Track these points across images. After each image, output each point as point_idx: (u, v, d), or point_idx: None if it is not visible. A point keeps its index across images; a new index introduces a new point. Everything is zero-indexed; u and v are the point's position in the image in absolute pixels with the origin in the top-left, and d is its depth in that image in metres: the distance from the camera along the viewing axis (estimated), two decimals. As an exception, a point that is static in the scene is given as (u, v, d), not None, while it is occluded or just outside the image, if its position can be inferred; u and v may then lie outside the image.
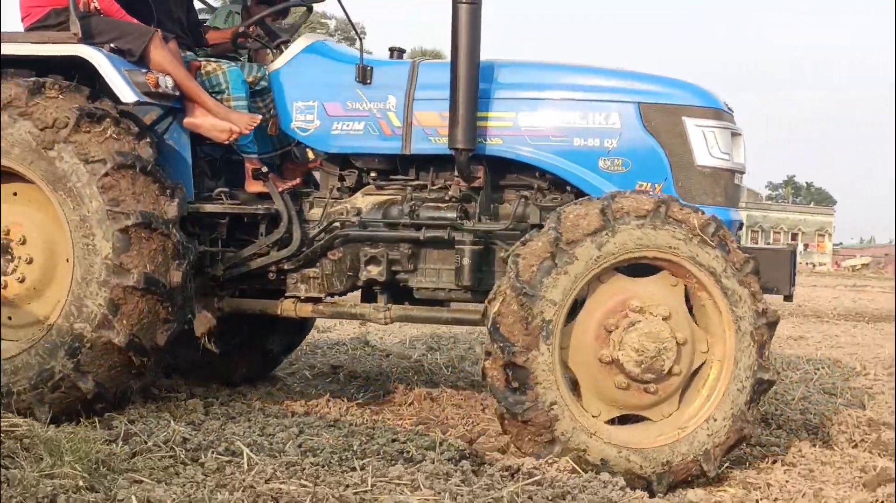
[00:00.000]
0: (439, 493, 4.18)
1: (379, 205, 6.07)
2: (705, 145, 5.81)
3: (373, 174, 6.14)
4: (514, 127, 5.91)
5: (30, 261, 5.63)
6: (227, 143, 5.98)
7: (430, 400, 6.96)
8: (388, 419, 6.22)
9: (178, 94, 5.86)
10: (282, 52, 6.23)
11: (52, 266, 5.63)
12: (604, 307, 5.05)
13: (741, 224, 6.17)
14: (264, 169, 6.18)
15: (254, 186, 6.16)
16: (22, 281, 5.63)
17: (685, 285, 5.13)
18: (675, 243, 4.99)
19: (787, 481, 5.07)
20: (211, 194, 6.12)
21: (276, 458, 4.67)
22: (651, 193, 5.23)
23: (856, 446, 6.07)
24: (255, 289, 6.31)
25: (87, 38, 5.63)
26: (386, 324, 6.06)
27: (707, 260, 5.02)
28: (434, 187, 6.07)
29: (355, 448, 5.00)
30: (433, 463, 4.73)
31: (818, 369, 9.53)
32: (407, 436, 5.25)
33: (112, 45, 5.67)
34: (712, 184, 5.81)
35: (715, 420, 5.04)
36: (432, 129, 5.94)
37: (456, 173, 5.89)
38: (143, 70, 5.71)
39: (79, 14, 5.66)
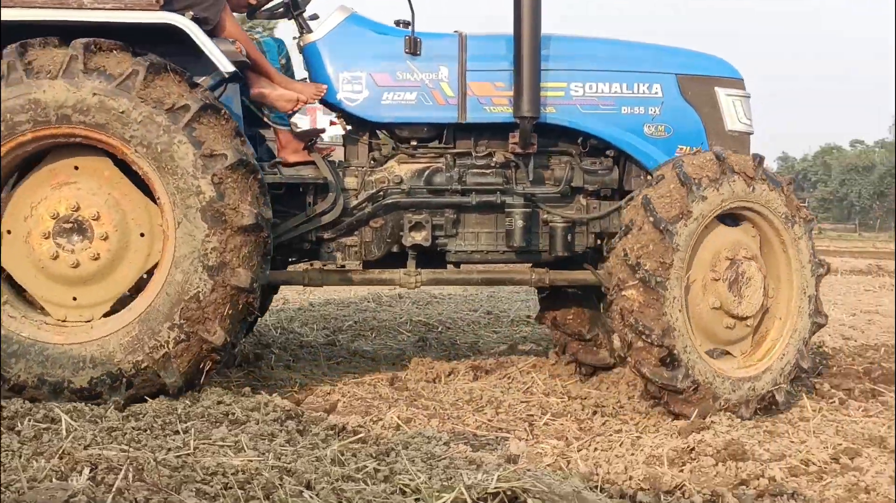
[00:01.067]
0: (263, 454, 4.20)
1: (418, 172, 6.29)
2: (734, 112, 6.62)
3: (413, 143, 6.34)
4: (566, 97, 6.35)
5: (105, 238, 5.43)
6: (290, 112, 6.04)
7: (258, 361, 6.96)
8: (216, 381, 6.19)
9: (249, 62, 5.83)
10: (300, 23, 6.28)
11: (126, 243, 5.46)
12: (706, 258, 5.83)
13: None
14: (305, 139, 6.16)
15: (294, 156, 6.11)
16: (96, 258, 5.44)
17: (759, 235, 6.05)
18: (771, 197, 5.92)
19: (605, 431, 5.29)
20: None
21: (97, 424, 4.60)
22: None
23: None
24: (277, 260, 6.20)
25: (166, 5, 5.44)
26: (416, 287, 6.27)
27: (788, 215, 5.97)
28: (479, 154, 6.39)
29: (179, 411, 4.95)
30: (258, 424, 4.74)
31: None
32: (233, 397, 5.24)
33: (191, 13, 5.49)
34: (740, 147, 6.47)
35: (784, 356, 5.96)
36: (486, 99, 6.29)
37: (514, 139, 6.22)
38: (230, 39, 5.68)
39: None
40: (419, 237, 6.19)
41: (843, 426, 5.55)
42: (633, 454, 4.75)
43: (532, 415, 5.77)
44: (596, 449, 4.92)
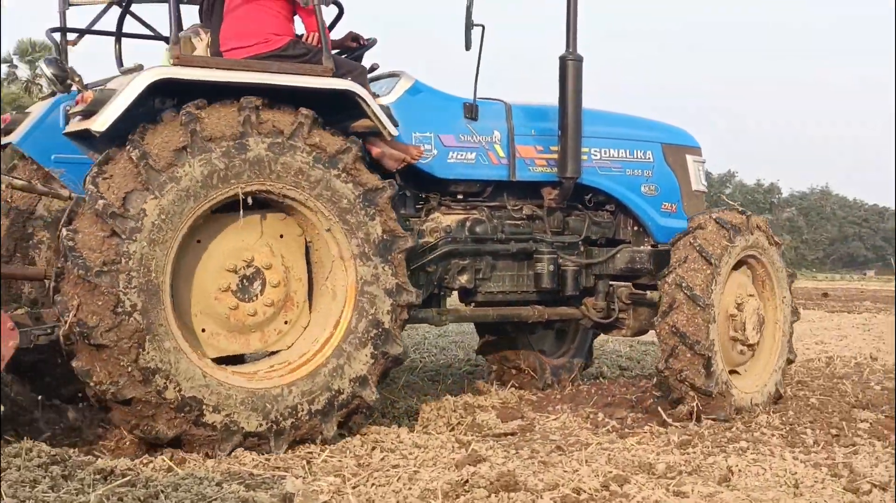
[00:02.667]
0: (24, 502, 4.07)
1: (461, 223, 7.23)
2: (698, 175, 8.30)
3: (458, 196, 7.34)
4: (589, 160, 7.59)
5: (276, 285, 6.06)
6: (396, 170, 6.72)
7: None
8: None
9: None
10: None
11: (288, 289, 6.14)
12: (731, 294, 7.21)
13: None
14: None
15: None
16: (270, 305, 6.05)
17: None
18: (766, 245, 7.48)
19: (383, 466, 5.36)
20: None
21: None
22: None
23: (452, 429, 6.51)
24: None
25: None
26: (444, 324, 7.28)
27: (774, 257, 7.55)
28: (514, 207, 7.54)
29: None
30: (19, 470, 4.59)
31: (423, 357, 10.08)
32: (-8, 444, 5.03)
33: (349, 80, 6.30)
34: (699, 204, 8.21)
35: (776, 371, 7.54)
36: (531, 160, 7.48)
37: (551, 195, 7.58)
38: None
39: (304, 48, 6.39)
40: (464, 280, 7.21)
41: (614, 454, 5.80)
42: (409, 488, 4.83)
43: (311, 453, 5.79)
44: (373, 484, 4.98)
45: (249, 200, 5.82)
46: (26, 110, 6.97)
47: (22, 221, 6.64)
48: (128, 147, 5.57)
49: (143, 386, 5.40)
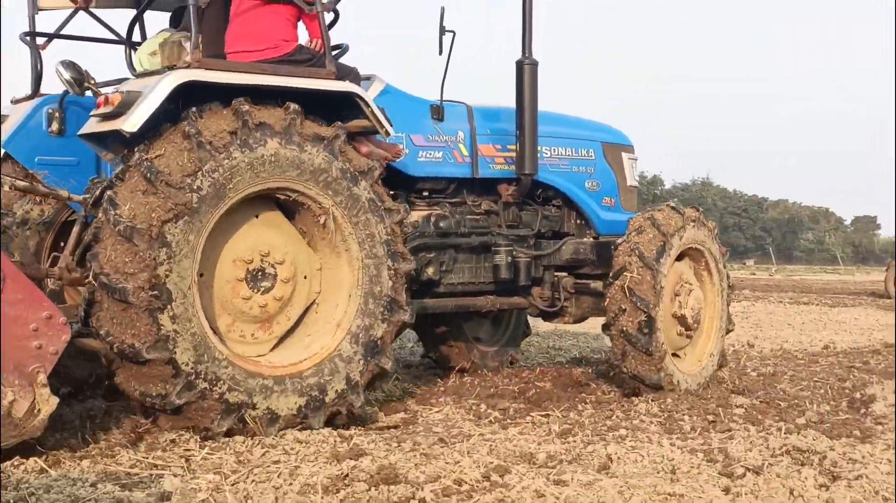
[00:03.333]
0: None
1: (425, 219, 7.66)
2: (632, 172, 9.01)
3: (425, 193, 7.81)
4: (541, 158, 8.14)
5: (286, 281, 6.44)
6: None
7: None
8: None
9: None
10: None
11: (294, 283, 6.51)
12: (677, 276, 7.85)
13: None
14: None
15: None
16: (279, 299, 6.42)
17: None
18: (704, 238, 8.13)
19: (263, 462, 5.32)
20: None
21: None
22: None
23: (335, 427, 6.49)
24: None
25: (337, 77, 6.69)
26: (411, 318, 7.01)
27: (715, 250, 8.26)
28: (474, 203, 8.07)
29: None
30: None
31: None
32: None
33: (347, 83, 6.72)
34: (633, 198, 8.95)
35: (713, 355, 8.24)
36: (490, 159, 8.08)
37: (508, 191, 8.16)
38: None
39: (309, 53, 6.73)
40: (430, 272, 7.55)
41: (496, 445, 5.86)
42: (289, 484, 4.81)
43: (190, 451, 5.70)
44: (252, 481, 4.94)
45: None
46: (2, 113, 7.13)
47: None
48: (185, 126, 5.91)
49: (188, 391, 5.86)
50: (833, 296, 26.00)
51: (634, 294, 7.48)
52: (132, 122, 5.89)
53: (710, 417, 6.81)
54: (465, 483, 4.90)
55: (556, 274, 8.49)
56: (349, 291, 6.54)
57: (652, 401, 7.34)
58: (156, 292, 5.71)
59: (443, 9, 7.43)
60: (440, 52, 7.52)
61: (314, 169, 6.27)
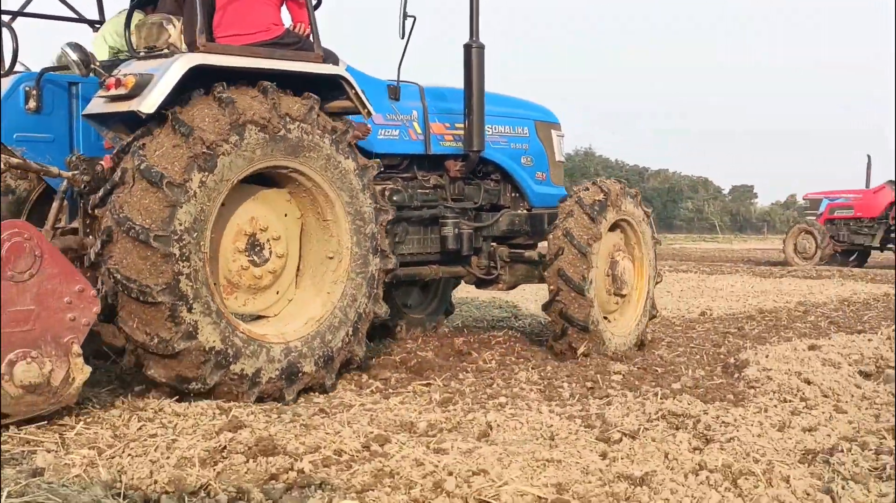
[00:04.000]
0: None
1: (380, 192, 7.53)
2: (560, 148, 9.70)
3: (381, 169, 7.66)
4: (486, 135, 8.63)
5: (280, 256, 6.89)
6: None
7: None
8: None
9: None
10: None
11: (286, 260, 6.97)
12: (607, 249, 8.57)
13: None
14: None
15: None
16: (273, 272, 6.86)
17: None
18: (638, 215, 8.88)
19: (140, 436, 5.25)
20: None
21: None
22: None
23: (213, 399, 6.43)
24: None
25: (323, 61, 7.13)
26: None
27: (640, 218, 8.91)
28: (424, 178, 8.56)
29: None
30: None
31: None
32: None
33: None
34: (560, 173, 9.68)
35: (641, 321, 8.99)
36: (441, 136, 8.63)
37: (457, 167, 8.71)
38: None
39: (296, 37, 7.15)
40: (385, 244, 7.44)
41: (377, 414, 5.89)
42: (167, 457, 4.75)
43: (64, 425, 5.59)
44: (129, 455, 4.86)
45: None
46: None
47: None
48: (217, 93, 6.35)
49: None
50: (711, 263, 26.65)
51: (568, 277, 8.14)
52: (149, 104, 6.21)
53: (589, 384, 6.95)
54: (345, 453, 4.91)
55: (492, 244, 9.13)
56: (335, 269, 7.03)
57: (532, 369, 7.46)
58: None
59: None
60: (401, 36, 8.00)
61: (324, 154, 6.77)
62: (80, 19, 8.15)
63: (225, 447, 4.83)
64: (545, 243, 8.75)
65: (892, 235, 25.64)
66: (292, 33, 7.19)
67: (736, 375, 7.57)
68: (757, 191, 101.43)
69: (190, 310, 6.12)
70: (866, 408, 6.51)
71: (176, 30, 6.83)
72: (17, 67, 7.24)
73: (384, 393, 6.73)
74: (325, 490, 4.33)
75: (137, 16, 7.15)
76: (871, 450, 5.18)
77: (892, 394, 6.89)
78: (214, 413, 5.89)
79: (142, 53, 6.69)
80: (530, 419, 5.71)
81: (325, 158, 6.76)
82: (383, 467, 4.64)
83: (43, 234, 5.47)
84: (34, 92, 7.05)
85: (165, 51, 6.57)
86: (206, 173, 6.18)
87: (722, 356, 8.63)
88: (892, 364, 8.04)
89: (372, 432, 5.29)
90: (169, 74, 6.28)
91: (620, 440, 5.27)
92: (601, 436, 5.35)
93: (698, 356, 8.59)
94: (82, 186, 6.63)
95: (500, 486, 4.37)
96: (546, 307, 8.44)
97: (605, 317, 8.62)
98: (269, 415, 5.74)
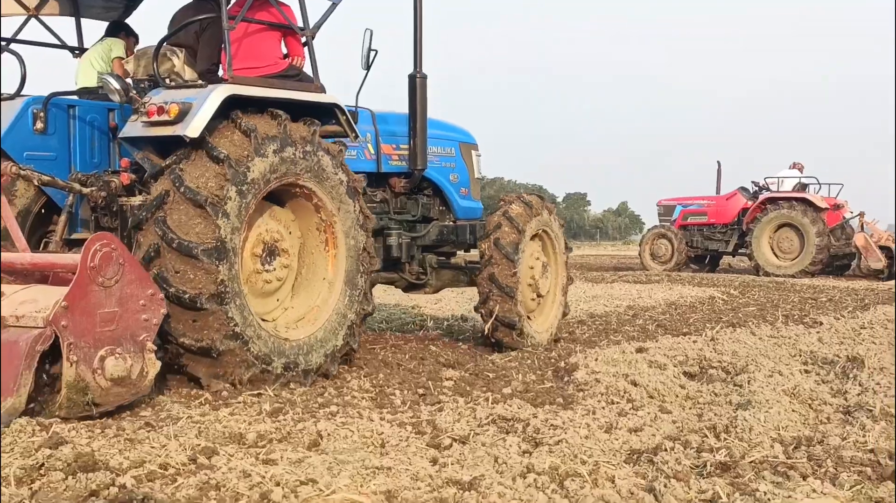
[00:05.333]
0: None
1: None
2: (477, 167, 10.85)
3: None
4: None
5: (285, 266, 7.87)
6: None
7: None
8: None
9: None
10: None
11: (288, 271, 7.93)
12: (530, 256, 9.88)
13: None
14: None
15: None
16: (280, 280, 7.84)
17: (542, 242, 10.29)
18: (554, 225, 10.35)
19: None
20: None
21: None
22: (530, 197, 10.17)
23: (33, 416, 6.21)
24: None
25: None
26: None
27: (555, 228, 10.36)
28: (373, 192, 9.39)
29: None
30: None
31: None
32: None
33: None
34: (478, 189, 10.85)
35: (556, 318, 10.44)
36: (389, 156, 9.60)
37: (402, 183, 9.72)
38: None
39: (296, 70, 8.23)
40: None
41: (206, 426, 5.78)
42: (-21, 478, 4.57)
43: None
44: (-62, 476, 4.65)
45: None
46: None
47: None
48: (241, 122, 7.29)
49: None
50: (545, 270, 27.06)
51: (498, 281, 9.41)
52: (194, 128, 7.06)
53: (421, 391, 6.99)
54: (171, 467, 4.82)
55: (422, 252, 10.10)
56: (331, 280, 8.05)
57: (365, 377, 7.47)
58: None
59: (371, 31, 8.71)
60: (364, 67, 8.83)
61: (327, 172, 7.79)
62: (63, 45, 9.15)
63: (43, 464, 4.68)
64: (464, 252, 10.67)
65: (745, 241, 26.52)
66: (293, 66, 8.22)
67: (566, 379, 7.74)
68: (590, 198, 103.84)
69: (229, 313, 7.02)
70: (690, 408, 6.75)
71: (180, 60, 7.97)
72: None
73: (213, 404, 6.62)
74: (148, 505, 4.23)
75: (110, 42, 8.86)
76: (693, 448, 5.37)
77: (714, 393, 7.16)
78: (34, 430, 5.67)
79: (169, 83, 7.64)
80: (361, 427, 5.71)
81: (326, 176, 7.75)
82: (209, 480, 4.57)
83: (121, 243, 6.41)
84: (41, 114, 7.78)
85: (200, 81, 7.59)
86: (238, 193, 7.08)
87: (553, 360, 8.80)
88: (714, 364, 8.35)
89: (199, 445, 5.20)
90: (209, 103, 7.16)
91: (451, 445, 5.33)
92: (432, 443, 5.39)
93: (530, 361, 8.74)
94: (98, 201, 7.61)
95: (328, 495, 4.37)
96: (478, 307, 9.71)
97: (528, 316, 9.82)
98: (91, 431, 5.57)
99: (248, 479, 4.56)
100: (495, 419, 5.97)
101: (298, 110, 7.79)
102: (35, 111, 7.76)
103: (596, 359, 8.38)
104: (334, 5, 8.30)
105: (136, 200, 7.55)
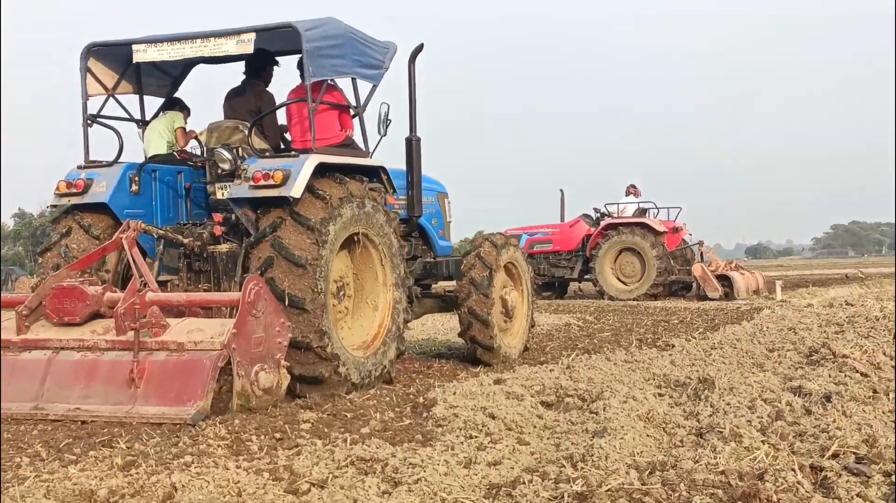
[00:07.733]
0: None
1: None
2: (449, 212, 12.96)
3: None
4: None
5: (350, 297, 10.10)
6: None
7: None
8: None
9: None
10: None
11: (354, 301, 10.22)
12: (500, 287, 12.14)
13: None
14: None
15: None
16: (346, 310, 10.04)
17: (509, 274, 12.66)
18: (518, 256, 12.69)
19: None
20: None
21: None
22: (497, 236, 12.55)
23: None
24: None
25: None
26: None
27: (524, 265, 12.89)
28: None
29: None
30: None
31: None
32: None
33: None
34: (449, 230, 12.90)
35: (524, 334, 12.85)
36: (392, 206, 11.02)
37: (402, 228, 11.10)
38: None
39: (350, 139, 10.53)
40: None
41: (54, 485, 5.62)
42: None
43: None
44: None
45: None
46: (90, 174, 9.96)
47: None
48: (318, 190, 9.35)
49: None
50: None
51: (476, 313, 11.64)
52: (296, 190, 9.04)
53: (278, 435, 6.94)
54: (18, 531, 4.69)
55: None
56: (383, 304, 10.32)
57: (220, 423, 7.37)
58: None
59: (388, 105, 10.73)
60: (379, 133, 10.75)
61: (377, 220, 9.98)
62: (131, 119, 10.90)
63: None
64: (442, 283, 12.75)
65: (589, 266, 27.09)
66: (349, 137, 10.38)
67: (424, 415, 7.79)
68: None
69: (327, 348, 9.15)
70: (547, 438, 6.88)
71: (251, 134, 9.97)
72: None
73: (62, 461, 6.44)
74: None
75: (172, 115, 10.99)
76: (550, 479, 5.46)
77: (571, 421, 7.30)
78: None
79: (267, 155, 9.83)
80: (217, 477, 5.63)
81: (375, 222, 9.86)
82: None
83: (264, 282, 8.61)
84: (136, 178, 9.93)
85: (292, 152, 9.73)
86: (325, 244, 9.10)
87: (411, 396, 8.85)
88: (571, 393, 8.53)
89: (49, 504, 5.07)
90: (305, 169, 9.15)
91: (309, 490, 5.32)
92: (289, 489, 5.37)
93: (388, 398, 8.78)
94: (194, 249, 9.77)
95: (183, 551, 4.30)
96: (461, 335, 11.97)
97: (501, 335, 12.06)
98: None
99: (100, 539, 4.47)
100: (354, 460, 5.97)
101: (347, 171, 9.73)
102: (131, 175, 9.88)
103: (454, 393, 8.46)
104: (375, 88, 10.40)
105: (224, 248, 9.76)
